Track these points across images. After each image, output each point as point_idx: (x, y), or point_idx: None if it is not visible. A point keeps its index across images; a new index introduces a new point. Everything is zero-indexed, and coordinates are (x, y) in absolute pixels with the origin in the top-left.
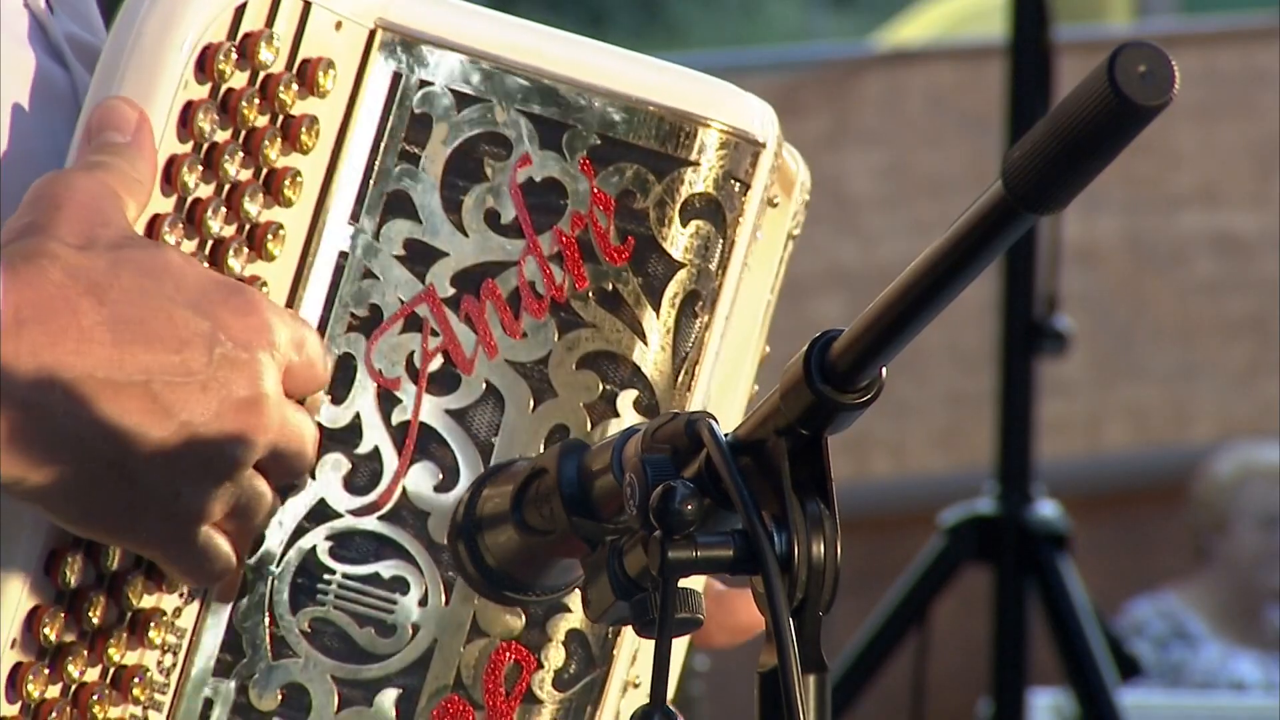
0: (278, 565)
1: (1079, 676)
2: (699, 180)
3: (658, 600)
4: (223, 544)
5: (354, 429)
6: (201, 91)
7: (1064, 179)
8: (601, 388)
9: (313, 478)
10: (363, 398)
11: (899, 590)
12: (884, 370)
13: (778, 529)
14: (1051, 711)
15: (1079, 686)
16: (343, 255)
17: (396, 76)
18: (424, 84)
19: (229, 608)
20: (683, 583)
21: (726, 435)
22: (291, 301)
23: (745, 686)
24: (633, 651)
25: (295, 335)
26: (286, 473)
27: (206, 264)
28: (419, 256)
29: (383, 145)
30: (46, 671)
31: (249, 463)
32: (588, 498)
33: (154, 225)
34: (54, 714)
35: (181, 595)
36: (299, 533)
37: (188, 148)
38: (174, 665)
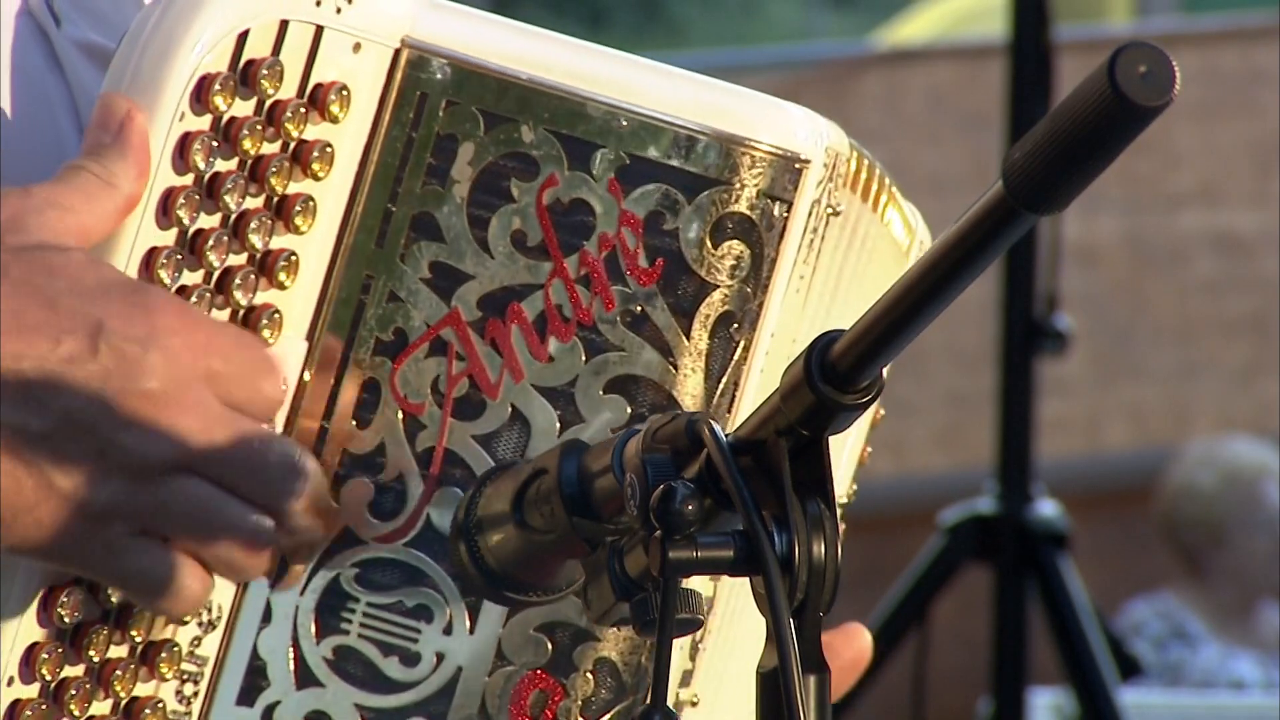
0: (302, 593)
1: (1079, 676)
2: (732, 200)
3: (658, 600)
4: (165, 560)
5: (379, 454)
6: (201, 123)
7: (1064, 179)
8: (629, 411)
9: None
10: (388, 423)
11: (899, 590)
12: (885, 370)
13: (778, 529)
14: (1051, 711)
15: (1079, 686)
16: (368, 278)
17: (423, 97)
18: (451, 103)
19: (253, 635)
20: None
21: (727, 435)
22: (314, 328)
23: None
24: (682, 670)
25: (220, 341)
26: (247, 485)
27: (211, 294)
28: (445, 279)
29: (408, 166)
30: (45, 707)
31: (157, 460)
32: (588, 498)
33: (151, 258)
34: None
35: (200, 625)
36: (324, 560)
37: (187, 180)
38: (195, 694)
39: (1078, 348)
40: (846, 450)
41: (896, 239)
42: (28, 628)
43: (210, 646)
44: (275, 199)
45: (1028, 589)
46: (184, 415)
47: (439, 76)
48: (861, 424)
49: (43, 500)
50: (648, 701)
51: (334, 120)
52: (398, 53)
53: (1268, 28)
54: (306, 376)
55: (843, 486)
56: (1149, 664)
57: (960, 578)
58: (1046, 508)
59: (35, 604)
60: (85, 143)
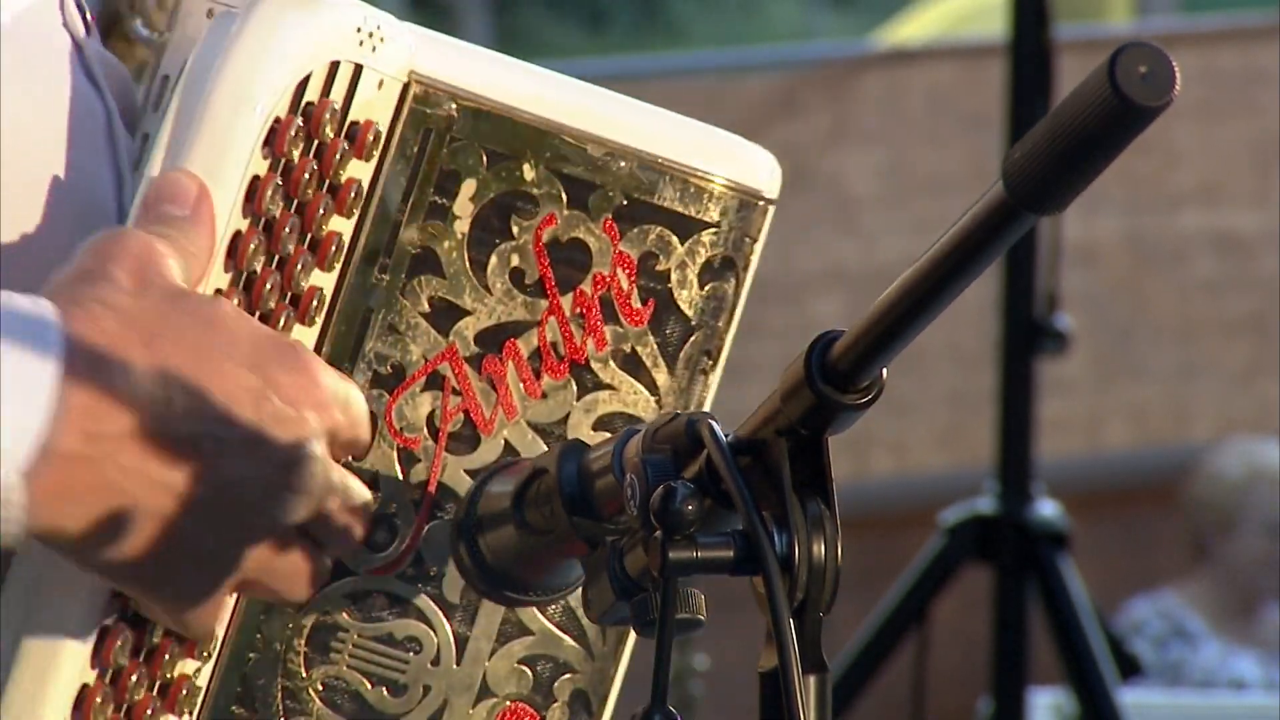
0: (293, 622)
1: (1079, 676)
2: (719, 241)
3: (658, 600)
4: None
5: (373, 486)
6: (265, 166)
7: (1065, 180)
8: None
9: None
10: (382, 455)
11: (899, 590)
12: (885, 370)
13: (778, 529)
14: (1051, 711)
15: (1079, 686)
16: (369, 311)
17: (427, 132)
18: (454, 139)
19: (242, 665)
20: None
21: (727, 435)
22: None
23: (746, 686)
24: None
25: (341, 393)
26: (335, 539)
27: None
28: (443, 313)
29: (411, 200)
30: None
31: (286, 522)
32: (588, 498)
33: None
34: None
35: (201, 656)
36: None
37: (250, 223)
38: None
39: (1078, 348)
40: None
41: None
42: (83, 669)
43: (204, 676)
44: (313, 238)
45: (1028, 589)
46: (315, 479)
47: (443, 112)
48: None
49: (181, 561)
50: (650, 701)
51: (367, 159)
52: (406, 86)
53: (1268, 28)
54: None
55: None
56: (1149, 663)
57: (960, 578)
58: (1046, 508)
59: (91, 645)
60: (154, 213)
